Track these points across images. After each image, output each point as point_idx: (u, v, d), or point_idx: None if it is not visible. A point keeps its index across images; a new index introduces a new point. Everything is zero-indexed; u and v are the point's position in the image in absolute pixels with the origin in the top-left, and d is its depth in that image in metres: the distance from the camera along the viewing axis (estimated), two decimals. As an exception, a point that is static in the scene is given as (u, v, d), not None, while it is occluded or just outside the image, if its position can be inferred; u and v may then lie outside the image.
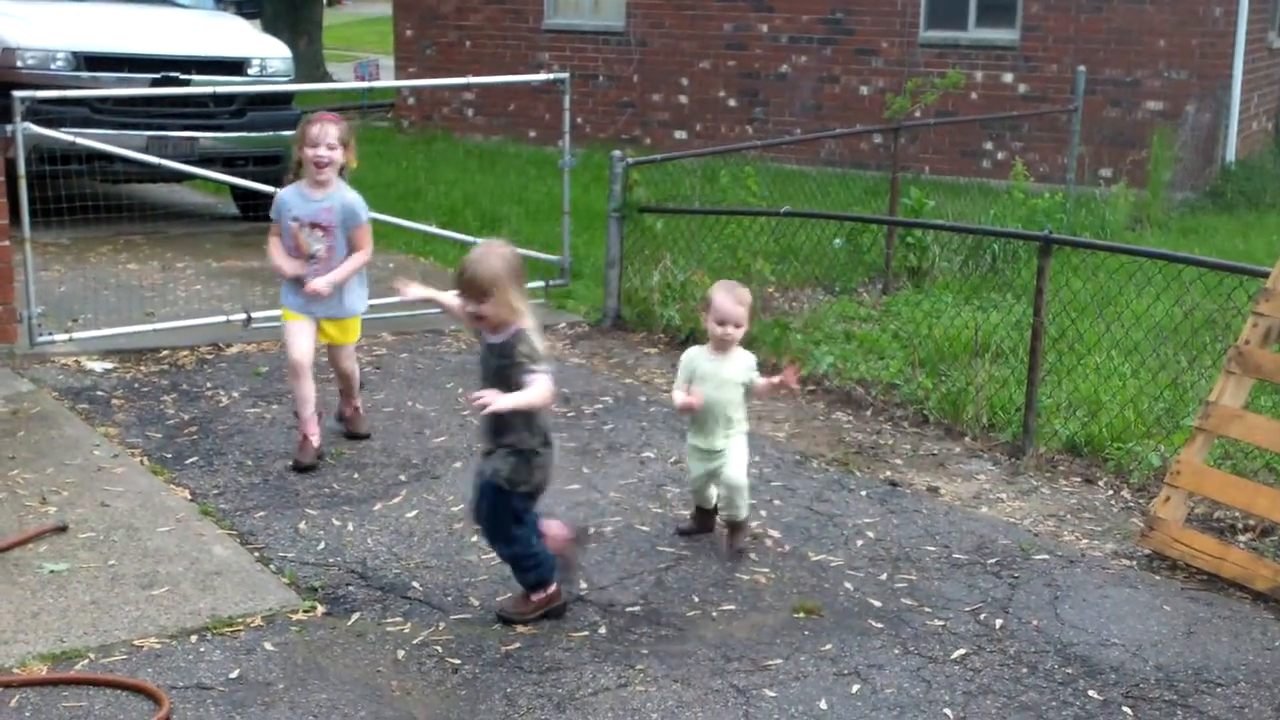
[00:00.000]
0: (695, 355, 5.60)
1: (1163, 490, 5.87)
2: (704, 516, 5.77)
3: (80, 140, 8.74)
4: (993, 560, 5.67)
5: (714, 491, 5.66)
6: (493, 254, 4.82)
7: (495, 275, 4.75)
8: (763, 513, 6.04)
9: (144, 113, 10.86)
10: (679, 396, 5.53)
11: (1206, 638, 5.02)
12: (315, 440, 6.48)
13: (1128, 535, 5.99)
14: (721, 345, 5.52)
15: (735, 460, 5.54)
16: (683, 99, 18.18)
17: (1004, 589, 5.39)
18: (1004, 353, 7.96)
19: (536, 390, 4.73)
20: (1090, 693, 4.59)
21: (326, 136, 6.38)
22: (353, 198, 6.51)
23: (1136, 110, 15.45)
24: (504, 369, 4.78)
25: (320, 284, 6.37)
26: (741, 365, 5.58)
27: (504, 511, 4.84)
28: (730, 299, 5.46)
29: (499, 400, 4.64)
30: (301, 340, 6.48)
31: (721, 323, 5.46)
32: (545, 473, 4.91)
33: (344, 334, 6.70)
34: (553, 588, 4.96)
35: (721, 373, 5.52)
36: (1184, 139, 14.12)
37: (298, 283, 6.44)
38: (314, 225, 6.41)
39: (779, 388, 5.64)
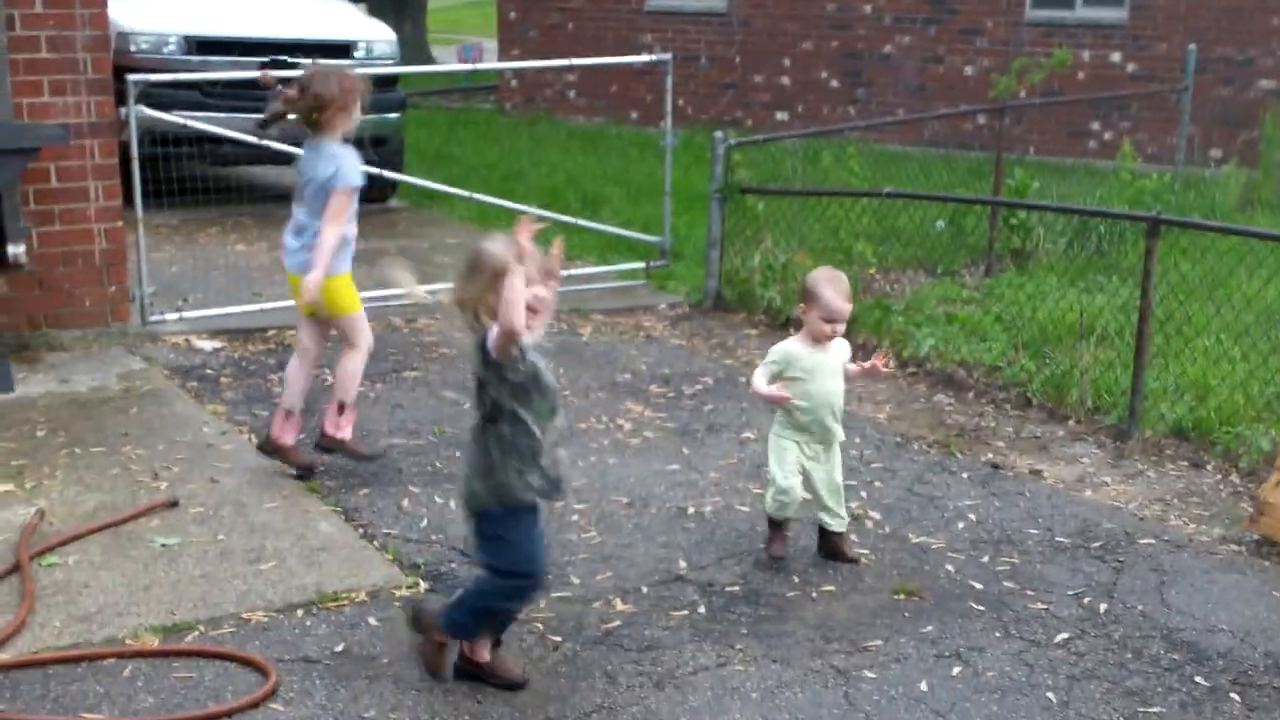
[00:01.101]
0: (792, 349, 5.23)
1: (1272, 474, 5.77)
2: (782, 529, 5.39)
3: (190, 123, 8.89)
4: (1097, 544, 5.61)
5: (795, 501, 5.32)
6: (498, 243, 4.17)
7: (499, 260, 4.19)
8: (863, 494, 6.02)
9: (253, 96, 11.00)
10: (762, 384, 5.19)
11: (1316, 625, 4.94)
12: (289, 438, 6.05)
13: (1236, 520, 5.90)
14: (826, 340, 5.21)
15: (839, 464, 5.35)
16: (785, 80, 18.10)
17: (1108, 573, 5.33)
18: (1110, 335, 7.86)
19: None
20: (1197, 679, 4.54)
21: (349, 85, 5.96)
22: (348, 152, 6.01)
23: (1249, 89, 15.15)
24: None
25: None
26: (841, 352, 5.31)
27: None
28: (840, 295, 5.12)
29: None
30: (303, 323, 6.16)
31: (830, 320, 5.13)
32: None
33: (334, 299, 6.02)
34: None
35: (828, 364, 5.22)
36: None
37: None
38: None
39: (869, 372, 5.37)
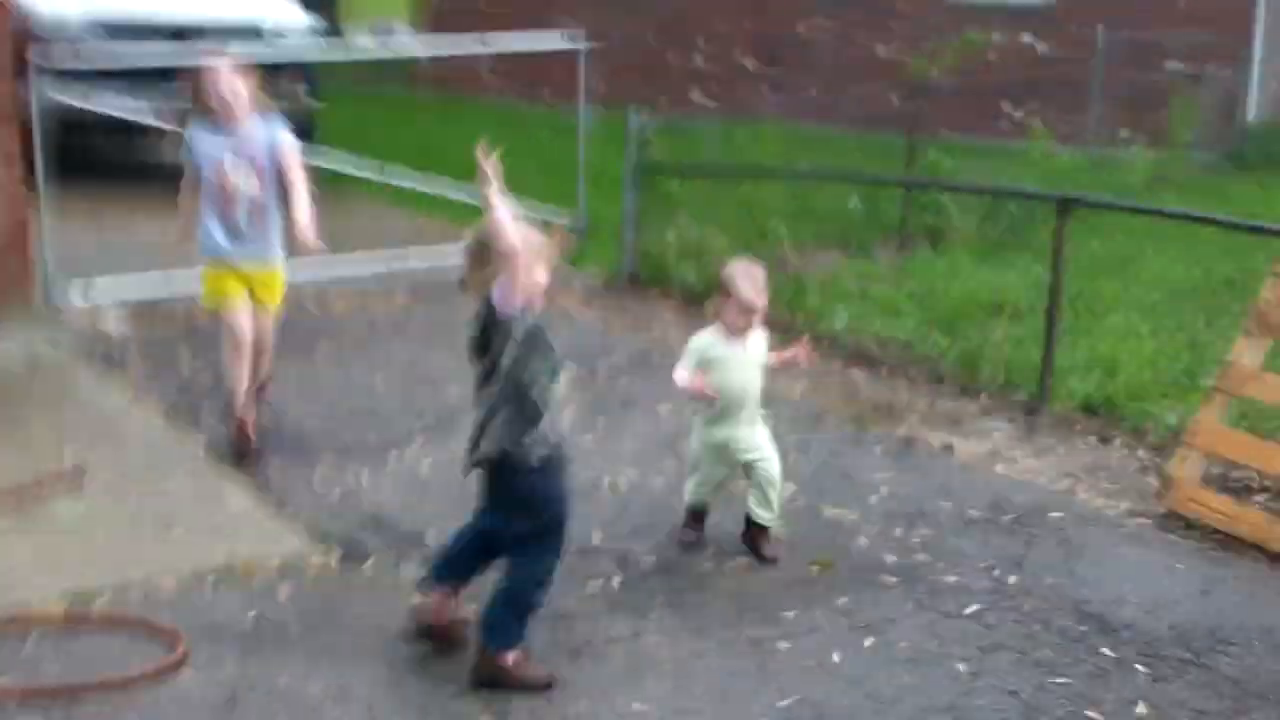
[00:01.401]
0: (708, 341, 5.09)
1: (1179, 450, 5.85)
2: (701, 519, 5.33)
3: (96, 109, 8.76)
4: (1007, 518, 5.66)
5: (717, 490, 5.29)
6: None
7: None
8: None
9: (161, 77, 10.83)
10: (684, 376, 5.03)
11: (1221, 597, 5.00)
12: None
13: (1143, 494, 5.97)
14: (742, 332, 5.10)
15: (771, 452, 5.20)
16: (699, 59, 18.10)
17: (1019, 546, 5.38)
18: (1021, 312, 7.94)
19: None
20: (1104, 650, 4.58)
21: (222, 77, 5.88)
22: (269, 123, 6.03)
23: (1156, 70, 15.34)
24: None
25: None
26: (760, 345, 5.20)
27: None
28: (755, 288, 5.02)
29: None
30: (244, 312, 5.99)
31: (746, 312, 5.03)
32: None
33: (273, 292, 6.07)
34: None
35: (744, 355, 5.11)
36: (1204, 99, 14.02)
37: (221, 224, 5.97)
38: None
39: (789, 362, 5.24)
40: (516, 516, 4.21)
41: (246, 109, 5.84)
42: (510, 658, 4.18)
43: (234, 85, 5.81)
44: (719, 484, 5.26)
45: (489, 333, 4.12)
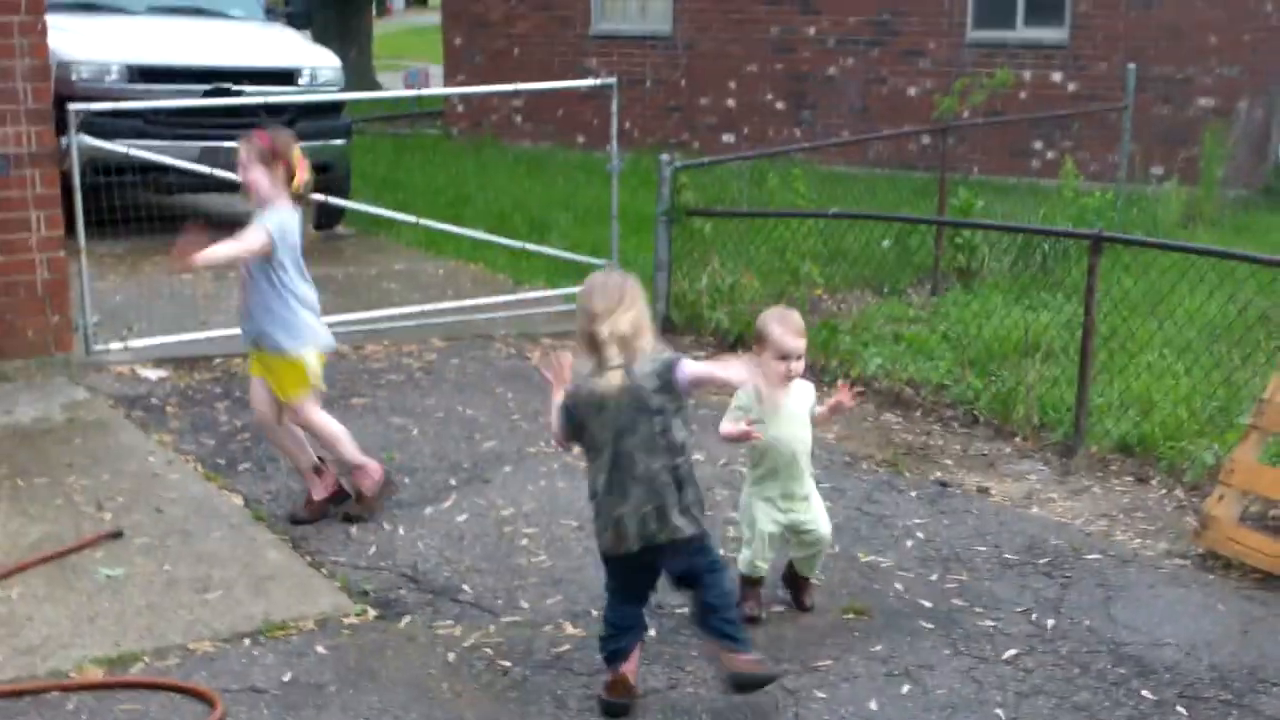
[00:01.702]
0: (753, 394, 4.88)
1: (1216, 489, 5.82)
2: (759, 586, 5.11)
3: (133, 151, 8.84)
4: (1044, 560, 5.64)
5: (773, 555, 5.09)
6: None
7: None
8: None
9: (196, 123, 10.96)
10: (729, 425, 4.87)
11: (1262, 637, 4.98)
12: (321, 492, 5.92)
13: (1181, 534, 5.95)
14: (783, 381, 4.91)
15: (822, 512, 5.08)
16: (730, 102, 18.18)
17: (1056, 589, 5.36)
18: (1054, 352, 7.92)
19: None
20: (1144, 693, 4.56)
21: (240, 157, 5.71)
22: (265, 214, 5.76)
23: (1188, 107, 15.33)
24: None
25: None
26: (806, 397, 5.04)
27: None
28: (789, 331, 4.85)
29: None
30: (257, 390, 5.88)
31: (784, 358, 4.85)
32: (606, 532, 4.40)
33: (277, 381, 5.80)
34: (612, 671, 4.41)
35: (797, 403, 4.98)
36: (1236, 135, 14.00)
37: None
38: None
39: (835, 410, 5.05)
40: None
41: (257, 185, 5.67)
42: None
43: (249, 170, 5.66)
44: (775, 548, 5.05)
45: (669, 406, 4.33)
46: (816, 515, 5.03)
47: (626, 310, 4.29)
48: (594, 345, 4.28)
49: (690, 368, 4.35)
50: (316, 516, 5.86)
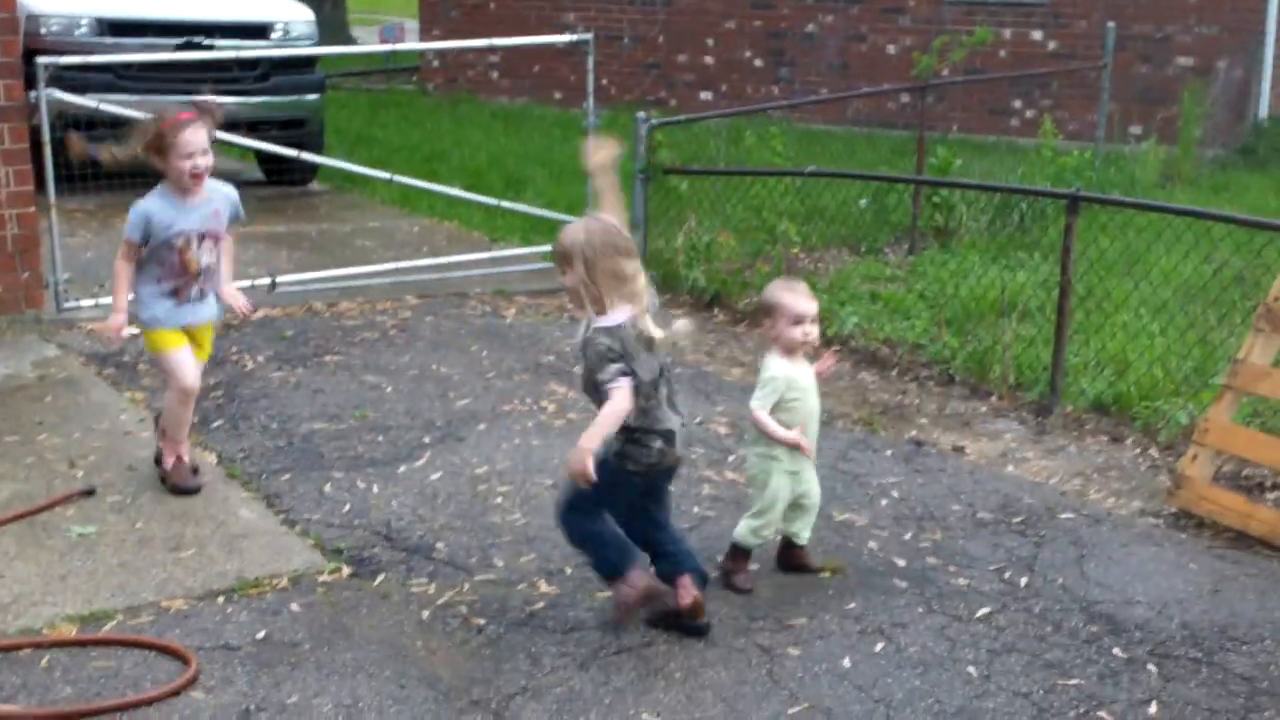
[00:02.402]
0: (782, 368, 4.84)
1: (1190, 448, 5.84)
2: (749, 557, 5.04)
3: (104, 106, 8.76)
4: (1018, 519, 5.65)
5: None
6: (581, 224, 4.49)
7: (572, 244, 4.39)
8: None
9: (168, 78, 10.86)
10: (774, 424, 4.82)
11: (1233, 595, 5.00)
12: (187, 456, 5.75)
13: (1154, 493, 5.97)
14: (801, 348, 4.86)
15: (814, 473, 5.05)
16: (708, 59, 18.11)
17: (1029, 548, 5.37)
18: (1031, 312, 7.93)
19: (603, 417, 4.32)
20: (1115, 650, 4.58)
21: (200, 141, 5.36)
22: (229, 189, 5.65)
23: (1167, 66, 15.33)
24: (586, 372, 4.48)
25: (245, 304, 5.73)
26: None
27: (569, 490, 4.62)
28: (801, 295, 4.81)
29: (580, 456, 4.31)
30: (192, 365, 5.62)
31: (798, 321, 4.79)
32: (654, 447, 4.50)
33: (206, 349, 5.79)
34: (631, 580, 4.50)
35: (810, 376, 4.93)
36: (1215, 95, 13.99)
37: (172, 294, 5.54)
38: (203, 237, 5.49)
39: (818, 375, 5.02)
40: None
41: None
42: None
43: (206, 148, 5.37)
44: (775, 525, 5.00)
45: (584, 358, 4.48)
46: (814, 481, 5.03)
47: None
48: (803, 324, 4.76)
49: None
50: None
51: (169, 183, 5.47)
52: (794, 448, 4.85)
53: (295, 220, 11.21)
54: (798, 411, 4.89)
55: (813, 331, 4.83)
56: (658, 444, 4.49)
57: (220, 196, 5.58)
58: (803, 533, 5.07)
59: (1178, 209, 7.61)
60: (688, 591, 4.59)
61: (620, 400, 4.31)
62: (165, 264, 5.46)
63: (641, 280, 4.43)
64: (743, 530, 4.97)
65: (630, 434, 4.45)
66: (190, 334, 5.63)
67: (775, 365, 4.86)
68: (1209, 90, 13.95)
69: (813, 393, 4.94)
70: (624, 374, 4.32)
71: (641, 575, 4.51)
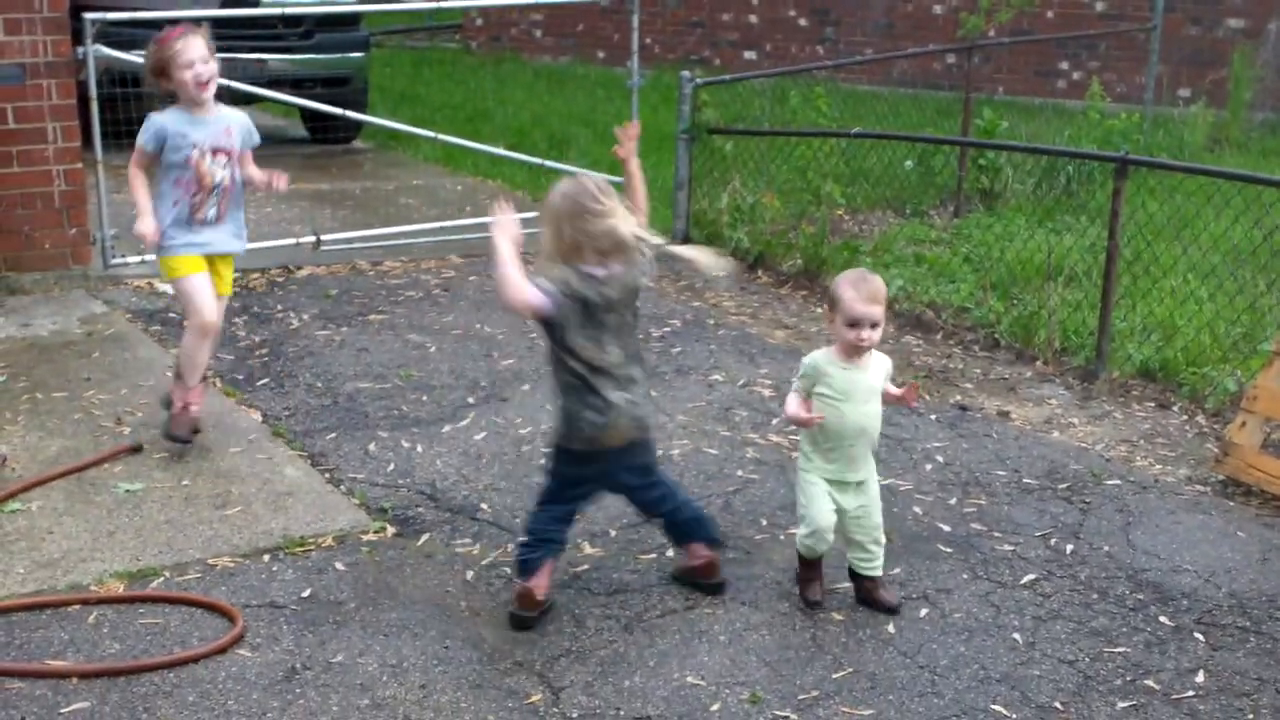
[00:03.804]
0: (822, 362, 4.47)
1: (1238, 415, 5.79)
2: (817, 566, 4.66)
3: (150, 62, 8.75)
4: (1064, 485, 5.62)
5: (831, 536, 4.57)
6: (559, 186, 4.39)
7: (546, 206, 4.39)
8: (831, 436, 6.02)
9: (214, 34, 10.85)
10: (794, 405, 4.49)
11: (1281, 564, 4.97)
12: (197, 409, 5.73)
13: (1202, 461, 5.92)
14: (855, 351, 4.46)
15: (876, 500, 4.61)
16: (753, 18, 17.99)
17: (1075, 514, 5.35)
18: (1077, 276, 7.86)
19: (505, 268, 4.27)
20: (1161, 618, 4.56)
21: (198, 49, 5.41)
22: (241, 114, 5.65)
23: (1217, 28, 15.13)
24: None
25: (281, 181, 5.63)
26: (881, 370, 4.54)
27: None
28: (862, 296, 4.35)
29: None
30: (210, 296, 5.62)
31: (854, 324, 4.36)
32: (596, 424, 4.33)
33: (227, 283, 5.82)
34: (526, 581, 4.41)
35: (863, 383, 4.48)
36: (1266, 58, 13.80)
37: (190, 217, 5.54)
38: (216, 150, 5.50)
39: (899, 400, 4.58)
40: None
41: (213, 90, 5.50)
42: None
43: (206, 57, 5.43)
44: (829, 535, 4.55)
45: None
46: (868, 508, 4.57)
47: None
48: (859, 329, 4.37)
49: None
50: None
51: (181, 101, 5.52)
52: (801, 424, 4.49)
53: (339, 178, 11.22)
54: (837, 418, 4.45)
55: (870, 337, 4.39)
56: (589, 415, 4.31)
57: (233, 118, 5.61)
58: (861, 563, 4.61)
59: (1228, 173, 7.53)
60: (698, 555, 4.63)
61: (525, 289, 4.21)
62: (181, 181, 5.50)
63: (617, 238, 4.27)
64: (797, 540, 4.64)
65: (565, 407, 4.36)
66: (211, 266, 5.64)
67: (810, 358, 4.53)
68: (1259, 53, 13.76)
69: (864, 399, 4.48)
70: (549, 293, 4.22)
71: (531, 581, 4.40)
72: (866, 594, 4.62)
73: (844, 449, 4.49)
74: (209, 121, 5.52)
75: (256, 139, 5.71)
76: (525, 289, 4.21)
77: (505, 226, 4.31)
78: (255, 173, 5.65)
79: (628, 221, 4.28)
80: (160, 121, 5.48)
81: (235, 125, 5.58)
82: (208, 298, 5.58)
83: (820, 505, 4.50)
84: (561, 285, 4.24)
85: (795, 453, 5.11)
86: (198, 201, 5.52)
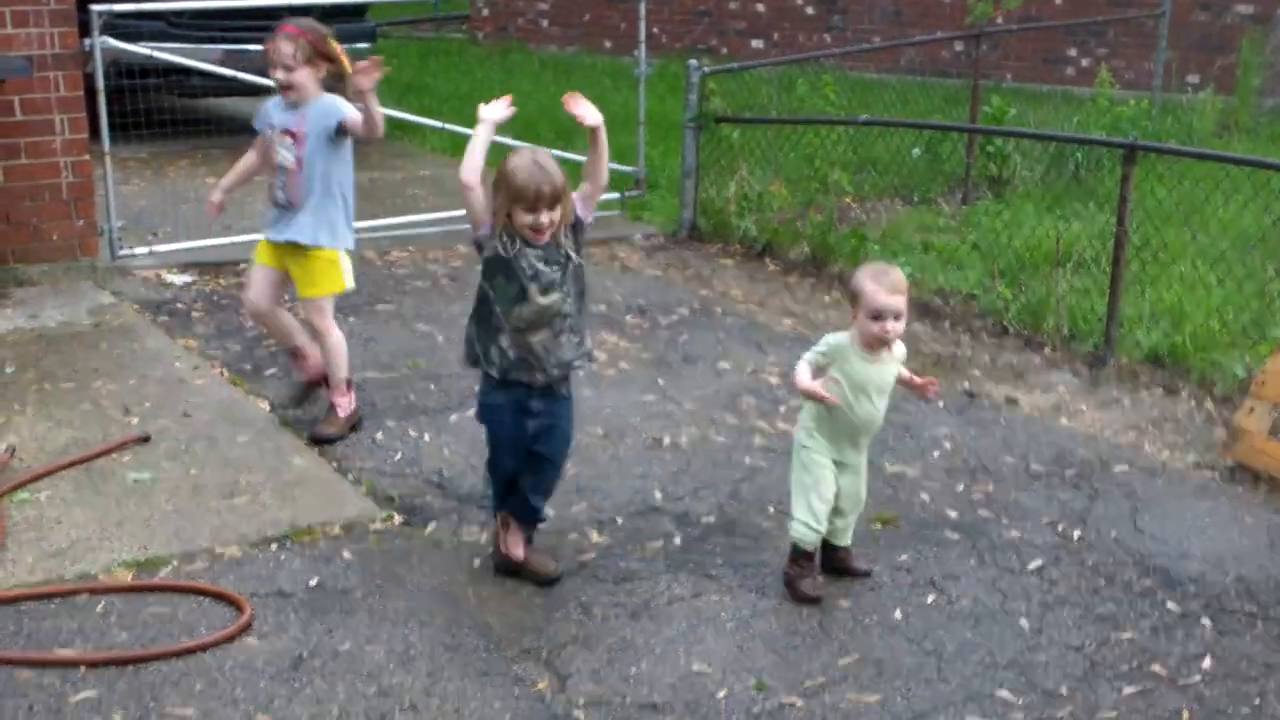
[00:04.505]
0: (845, 348, 4.43)
1: (1247, 401, 5.78)
2: (812, 557, 4.64)
3: (157, 54, 8.78)
4: (1071, 471, 5.62)
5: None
6: (514, 160, 4.58)
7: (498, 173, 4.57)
8: (839, 424, 6.02)
9: (220, 26, 10.87)
10: (806, 377, 4.44)
11: (1289, 550, 4.96)
12: (303, 375, 5.96)
13: (1210, 447, 5.91)
14: (879, 344, 4.45)
15: (864, 482, 4.67)
16: (760, 7, 17.96)
17: (1082, 500, 5.34)
18: (1086, 262, 7.84)
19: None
20: (1169, 604, 4.55)
21: (280, 56, 5.52)
22: (329, 99, 5.61)
23: (1226, 14, 15.07)
24: None
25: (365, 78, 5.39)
26: (897, 360, 4.55)
27: None
28: (884, 288, 4.33)
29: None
30: (257, 282, 5.81)
31: (878, 316, 4.34)
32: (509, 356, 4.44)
33: (308, 277, 5.74)
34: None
35: (879, 379, 4.47)
36: (1275, 43, 13.76)
37: (271, 201, 5.71)
38: (285, 132, 5.59)
39: (916, 388, 4.60)
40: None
41: (303, 85, 5.54)
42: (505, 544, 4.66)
43: (288, 64, 5.51)
44: (829, 513, 4.56)
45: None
46: (858, 484, 4.62)
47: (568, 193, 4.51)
48: (880, 322, 4.34)
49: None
50: (301, 401, 6.00)
51: None
52: (810, 397, 4.43)
53: (346, 169, 11.21)
54: (845, 409, 4.44)
55: (893, 329, 4.36)
56: (503, 343, 4.45)
57: (320, 105, 5.60)
58: (841, 535, 4.68)
59: (1237, 159, 7.52)
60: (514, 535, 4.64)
61: (476, 169, 4.61)
62: (267, 162, 5.74)
63: (543, 221, 4.43)
64: (795, 526, 4.56)
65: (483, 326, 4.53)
66: (284, 259, 5.72)
67: (836, 337, 4.48)
68: (1268, 39, 13.72)
69: (876, 395, 4.47)
70: (485, 232, 4.58)
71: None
72: (840, 563, 4.70)
73: (844, 436, 4.52)
74: (294, 110, 5.61)
75: (343, 115, 5.57)
76: (476, 170, 4.54)
77: (492, 109, 4.63)
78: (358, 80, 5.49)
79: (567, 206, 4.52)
80: (265, 105, 5.75)
81: (314, 110, 5.58)
82: (253, 282, 5.82)
83: (828, 485, 4.50)
84: (498, 245, 4.49)
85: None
86: (271, 183, 5.69)
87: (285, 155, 5.60)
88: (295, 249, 5.66)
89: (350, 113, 5.55)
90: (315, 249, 5.64)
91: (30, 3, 7.46)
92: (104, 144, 7.98)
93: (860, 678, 4.08)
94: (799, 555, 4.58)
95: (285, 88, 5.55)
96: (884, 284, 4.34)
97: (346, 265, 5.76)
